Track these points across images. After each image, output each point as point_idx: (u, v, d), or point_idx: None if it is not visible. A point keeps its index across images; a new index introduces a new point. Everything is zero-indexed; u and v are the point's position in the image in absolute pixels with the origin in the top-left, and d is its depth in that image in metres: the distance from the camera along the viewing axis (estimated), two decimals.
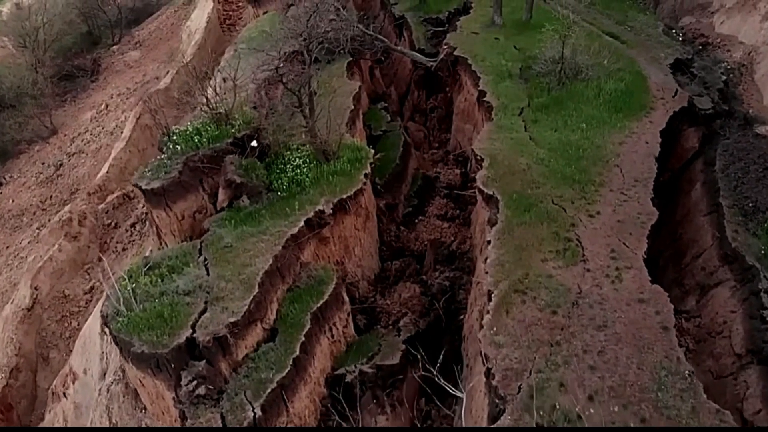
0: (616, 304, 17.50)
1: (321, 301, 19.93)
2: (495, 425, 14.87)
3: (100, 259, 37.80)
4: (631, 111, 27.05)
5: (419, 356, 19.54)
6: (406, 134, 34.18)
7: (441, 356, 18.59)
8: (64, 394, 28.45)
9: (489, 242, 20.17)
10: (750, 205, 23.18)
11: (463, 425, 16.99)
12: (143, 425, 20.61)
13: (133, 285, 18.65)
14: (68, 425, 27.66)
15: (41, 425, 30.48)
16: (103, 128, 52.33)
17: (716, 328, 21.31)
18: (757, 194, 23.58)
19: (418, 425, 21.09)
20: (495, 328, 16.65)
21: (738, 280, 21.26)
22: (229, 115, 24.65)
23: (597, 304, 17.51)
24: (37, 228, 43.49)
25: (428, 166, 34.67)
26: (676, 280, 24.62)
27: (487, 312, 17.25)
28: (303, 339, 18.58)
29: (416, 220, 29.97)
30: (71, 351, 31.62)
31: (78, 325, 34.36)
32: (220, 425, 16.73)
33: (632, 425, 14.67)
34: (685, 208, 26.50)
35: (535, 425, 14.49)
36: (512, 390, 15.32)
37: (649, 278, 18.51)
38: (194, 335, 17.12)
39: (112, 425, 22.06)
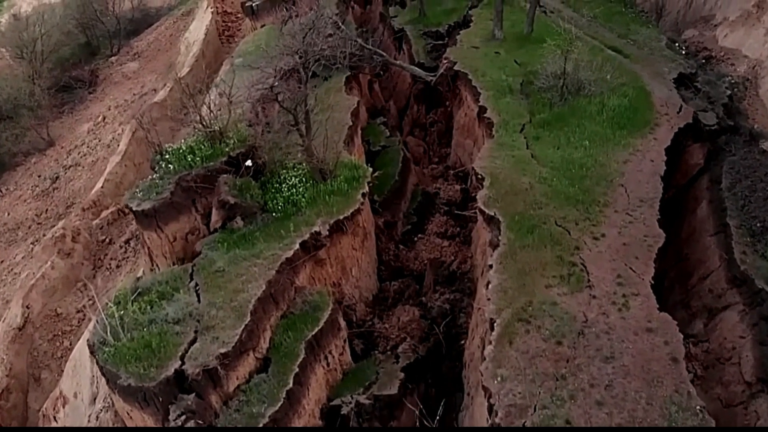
0: (624, 334, 16.79)
1: (316, 329, 19.21)
2: None
3: (94, 276, 37.21)
4: (635, 128, 26.41)
5: (417, 412, 18.80)
6: (405, 149, 33.59)
7: (441, 408, 17.81)
8: (54, 417, 27.72)
9: (491, 266, 19.49)
10: (758, 225, 22.56)
11: None
12: None
13: (121, 312, 17.97)
14: None
15: None
16: (99, 141, 51.85)
17: (725, 354, 20.63)
18: (765, 214, 22.94)
19: None
20: (497, 360, 15.95)
21: (747, 304, 20.60)
22: (223, 132, 24.01)
23: (604, 334, 16.80)
24: (32, 243, 42.89)
25: (428, 181, 34.06)
26: (682, 302, 23.98)
27: (489, 342, 16.55)
28: (297, 370, 17.87)
29: (416, 239, 29.31)
30: (63, 371, 30.94)
31: (70, 344, 33.63)
32: None
33: None
34: (690, 226, 25.88)
35: None
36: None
37: (657, 306, 17.81)
38: (183, 367, 16.42)
39: None
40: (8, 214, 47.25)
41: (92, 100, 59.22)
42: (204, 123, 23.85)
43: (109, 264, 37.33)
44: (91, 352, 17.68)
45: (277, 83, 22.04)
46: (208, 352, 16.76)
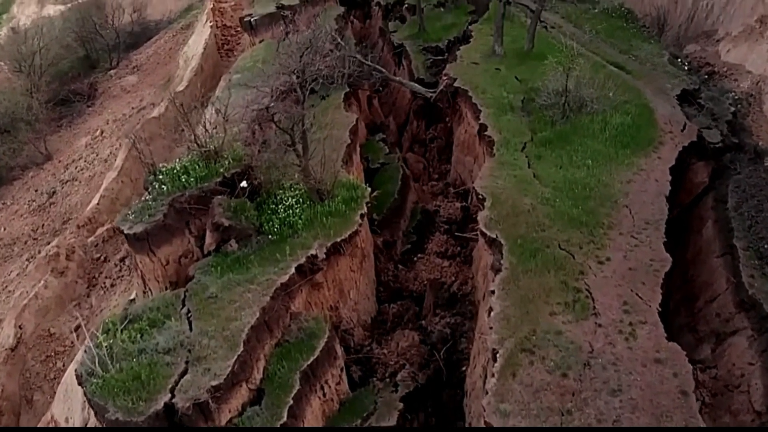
0: (631, 365, 16.18)
1: (312, 358, 18.55)
2: None
3: (88, 295, 36.63)
4: (638, 146, 25.91)
5: None
6: (404, 166, 33.12)
7: None
8: None
9: (493, 292, 18.89)
10: (766, 247, 21.99)
11: None
12: None
13: (111, 341, 17.35)
14: None
15: None
16: (97, 155, 51.50)
17: (734, 381, 20.02)
18: None
19: None
20: (500, 395, 15.33)
21: (756, 330, 20.01)
22: (218, 152, 23.48)
23: (610, 365, 16.18)
24: (27, 259, 42.37)
25: (428, 198, 33.58)
26: (689, 325, 23.39)
27: (492, 374, 15.93)
28: (291, 402, 17.22)
29: (415, 258, 28.78)
30: (55, 394, 30.30)
31: (63, 365, 33.00)
32: None
33: None
34: (696, 247, 25.32)
35: None
36: None
37: (665, 334, 17.21)
38: (173, 400, 15.79)
39: None
40: (4, 229, 46.76)
41: (90, 113, 58.90)
42: (199, 142, 23.34)
43: (104, 282, 36.76)
44: (79, 383, 17.07)
45: (273, 103, 21.48)
46: (199, 384, 16.12)
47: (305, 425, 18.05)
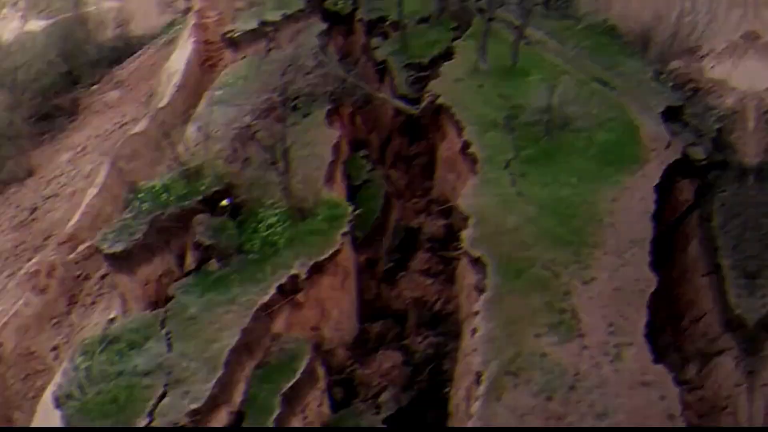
0: (617, 388, 16.02)
1: (293, 380, 18.29)
2: None
3: (69, 312, 36.05)
4: (623, 164, 25.86)
5: None
6: (387, 183, 32.85)
7: None
8: None
9: (477, 312, 18.67)
10: (753, 266, 21.89)
11: None
12: None
13: (89, 363, 16.99)
14: None
15: None
16: (79, 171, 50.90)
17: (720, 402, 19.94)
18: (760, 254, 22.30)
19: None
20: (485, 419, 15.07)
21: (742, 350, 19.96)
22: (200, 170, 23.19)
23: (596, 389, 16.00)
24: (8, 276, 41.67)
25: (411, 216, 33.22)
26: (674, 345, 23.29)
27: (476, 398, 15.68)
28: (272, 425, 16.90)
29: (398, 276, 28.41)
30: (36, 413, 29.68)
31: (43, 384, 32.32)
32: None
33: None
34: (681, 265, 25.28)
35: None
36: None
37: (652, 356, 17.04)
38: (152, 425, 15.43)
39: None
40: None
41: (73, 129, 58.31)
42: (180, 161, 23.06)
43: (85, 300, 36.19)
44: (57, 406, 16.68)
45: (254, 121, 21.30)
46: (178, 407, 15.86)
47: None
